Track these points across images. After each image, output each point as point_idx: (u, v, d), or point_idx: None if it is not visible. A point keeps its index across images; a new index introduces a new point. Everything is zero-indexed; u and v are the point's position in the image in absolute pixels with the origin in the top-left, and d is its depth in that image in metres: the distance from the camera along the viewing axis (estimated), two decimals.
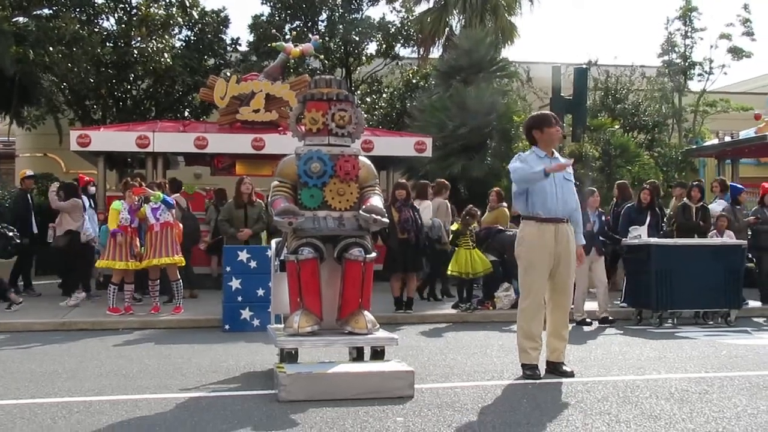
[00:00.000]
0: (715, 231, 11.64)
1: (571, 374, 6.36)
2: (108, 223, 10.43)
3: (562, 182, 6.44)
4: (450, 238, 11.46)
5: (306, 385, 5.46)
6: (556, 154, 6.62)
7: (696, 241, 10.92)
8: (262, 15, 22.61)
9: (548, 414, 5.09)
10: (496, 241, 11.06)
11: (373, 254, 6.36)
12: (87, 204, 12.06)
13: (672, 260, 10.08)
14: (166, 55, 19.43)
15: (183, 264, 10.70)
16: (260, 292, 9.52)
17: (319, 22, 22.76)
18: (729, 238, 11.25)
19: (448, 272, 11.25)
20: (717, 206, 12.67)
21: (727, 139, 18.27)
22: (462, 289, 11.17)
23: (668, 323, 10.12)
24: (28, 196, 13.15)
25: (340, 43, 22.61)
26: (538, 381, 6.18)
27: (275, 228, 9.05)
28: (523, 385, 6.09)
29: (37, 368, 6.97)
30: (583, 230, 6.82)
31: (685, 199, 12.20)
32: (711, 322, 10.31)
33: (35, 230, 12.81)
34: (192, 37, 21.85)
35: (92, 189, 12.62)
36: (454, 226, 11.32)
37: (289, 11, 22.57)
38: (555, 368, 6.43)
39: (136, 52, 19.80)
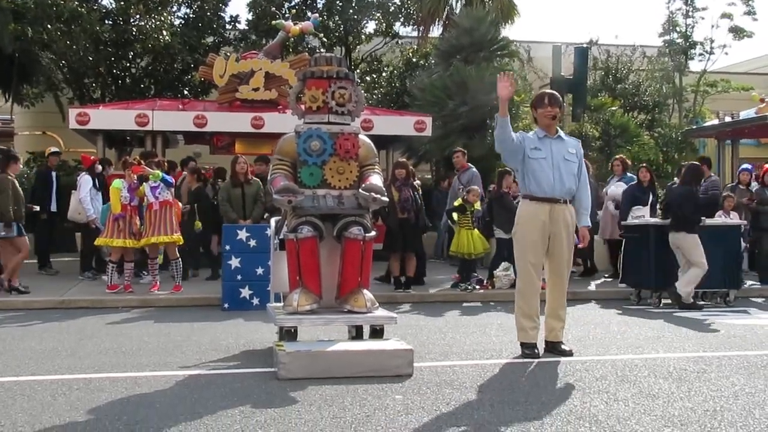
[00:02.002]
0: (721, 211, 11.62)
1: (569, 353, 6.37)
2: (111, 204, 10.37)
3: (561, 162, 6.38)
4: (450, 217, 11.45)
5: (305, 363, 5.47)
6: (561, 133, 6.56)
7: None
8: None
9: (547, 392, 5.10)
10: (503, 207, 10.96)
11: (373, 233, 6.35)
12: (90, 185, 11.92)
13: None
14: (164, 32, 19.32)
15: (181, 242, 10.68)
16: (259, 270, 9.54)
17: (318, 0, 22.62)
18: (736, 219, 11.23)
19: (450, 252, 11.28)
20: (616, 188, 12.18)
21: (728, 119, 18.21)
22: (462, 269, 11.18)
23: (667, 303, 10.13)
24: (52, 173, 13.07)
25: (340, 21, 22.47)
26: (536, 360, 6.20)
27: (273, 206, 9.06)
28: (522, 363, 6.10)
29: (36, 346, 6.99)
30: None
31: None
32: (710, 303, 10.31)
33: (54, 208, 12.76)
34: (191, 15, 21.72)
35: (99, 168, 12.35)
36: (457, 203, 11.31)
37: None
38: (553, 347, 6.45)
39: (134, 29, 19.68)
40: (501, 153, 6.51)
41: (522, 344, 6.42)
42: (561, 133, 6.58)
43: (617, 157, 13.46)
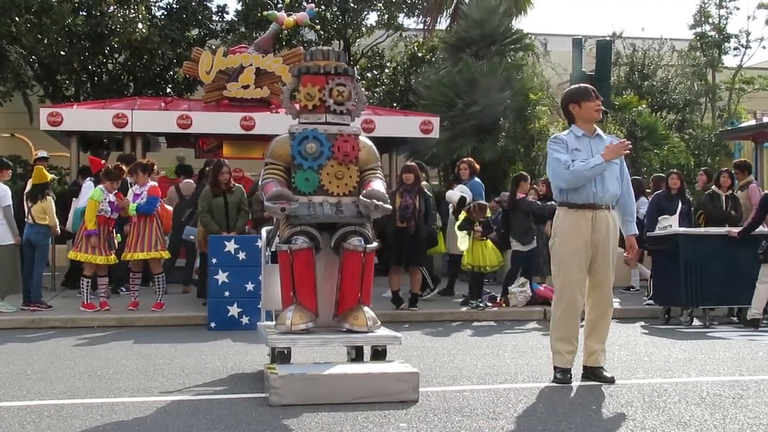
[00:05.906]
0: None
1: (611, 380, 6.26)
2: (85, 218, 10.24)
3: None
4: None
5: (299, 388, 5.48)
6: (599, 131, 6.50)
7: (729, 230, 10.86)
8: None
9: (566, 420, 5.10)
10: (520, 215, 10.96)
11: (374, 244, 6.35)
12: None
13: (703, 252, 10.06)
14: (140, 24, 19.33)
15: (167, 257, 10.67)
16: (249, 286, 9.55)
17: None
18: None
19: (462, 266, 11.28)
20: (454, 193, 11.90)
21: (766, 119, 18.22)
22: (473, 284, 11.19)
23: (699, 322, 10.12)
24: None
25: (338, 12, 22.54)
26: (557, 385, 6.17)
27: (261, 217, 9.03)
28: (539, 388, 6.10)
29: (3, 369, 7.00)
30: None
31: (714, 186, 12.17)
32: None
33: None
34: (173, 5, 21.78)
35: None
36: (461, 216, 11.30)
37: None
38: (593, 373, 6.34)
39: (110, 22, 19.74)
40: (566, 185, 6.29)
41: (556, 368, 6.34)
42: (599, 131, 6.52)
43: (464, 159, 13.09)
